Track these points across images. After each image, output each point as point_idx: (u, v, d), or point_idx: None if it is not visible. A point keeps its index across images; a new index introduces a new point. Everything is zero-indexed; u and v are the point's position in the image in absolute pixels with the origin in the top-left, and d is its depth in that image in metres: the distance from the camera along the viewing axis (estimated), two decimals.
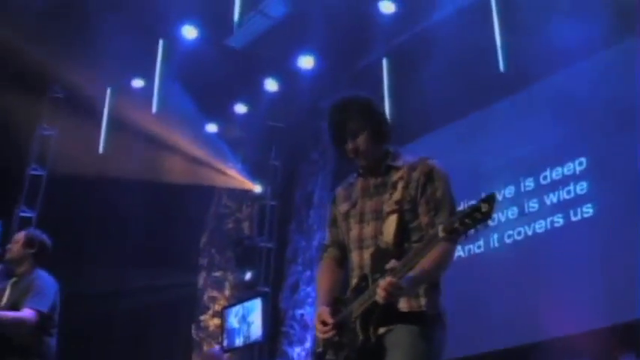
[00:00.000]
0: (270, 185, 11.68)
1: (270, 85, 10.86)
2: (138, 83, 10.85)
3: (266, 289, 10.91)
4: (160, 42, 10.23)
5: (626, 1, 7.63)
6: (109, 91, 10.99)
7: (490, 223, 3.03)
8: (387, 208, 3.55)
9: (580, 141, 8.07)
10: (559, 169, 8.19)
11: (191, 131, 11.24)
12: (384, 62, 9.93)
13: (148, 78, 10.59)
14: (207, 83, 10.54)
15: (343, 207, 3.75)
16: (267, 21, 9.99)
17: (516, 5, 8.46)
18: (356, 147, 3.62)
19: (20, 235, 5.70)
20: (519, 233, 8.36)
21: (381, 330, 3.42)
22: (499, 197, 7.99)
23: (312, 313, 7.75)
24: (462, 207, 3.15)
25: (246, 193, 12.13)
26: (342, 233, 3.77)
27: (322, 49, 9.99)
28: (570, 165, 8.10)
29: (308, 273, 10.34)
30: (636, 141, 7.39)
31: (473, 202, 3.05)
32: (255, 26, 9.96)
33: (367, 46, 10.09)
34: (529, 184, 8.41)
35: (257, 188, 11.84)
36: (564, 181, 8.12)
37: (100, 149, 10.83)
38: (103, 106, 10.94)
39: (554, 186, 8.17)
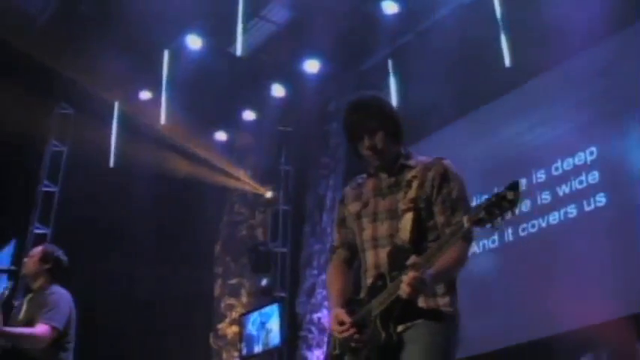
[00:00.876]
0: (282, 190, 11.70)
1: (277, 90, 10.89)
2: (145, 95, 10.87)
3: (282, 294, 10.93)
4: (165, 53, 10.27)
5: None
6: (116, 104, 11.03)
7: (516, 210, 3.02)
8: (402, 206, 3.55)
9: (590, 130, 8.04)
10: (570, 159, 8.16)
11: (201, 140, 11.28)
12: (390, 62, 9.94)
13: (155, 89, 10.63)
14: (215, 91, 10.59)
15: (354, 207, 3.74)
16: (270, 27, 10.03)
17: None
18: (373, 145, 3.62)
19: (36, 251, 5.72)
20: (533, 226, 8.34)
21: (400, 327, 3.43)
22: (520, 201, 8.04)
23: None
24: (474, 203, 3.15)
25: (259, 199, 12.15)
26: (351, 233, 3.76)
27: (327, 52, 10.01)
28: (581, 155, 8.07)
29: (323, 276, 10.33)
30: None
31: (486, 196, 3.05)
32: (259, 32, 10.00)
33: (372, 47, 10.11)
34: (540, 175, 8.39)
35: (269, 194, 11.86)
36: (576, 172, 8.09)
37: (111, 163, 10.87)
38: (112, 120, 10.99)
39: (566, 177, 8.15)
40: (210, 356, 11.50)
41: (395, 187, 3.63)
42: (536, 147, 8.44)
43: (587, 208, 7.90)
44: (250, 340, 10.69)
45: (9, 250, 9.81)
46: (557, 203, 8.17)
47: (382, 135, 3.62)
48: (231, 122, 11.70)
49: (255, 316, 10.80)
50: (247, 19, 9.59)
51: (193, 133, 11.01)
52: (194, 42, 10.03)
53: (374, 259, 3.60)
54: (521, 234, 8.43)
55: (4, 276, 8.55)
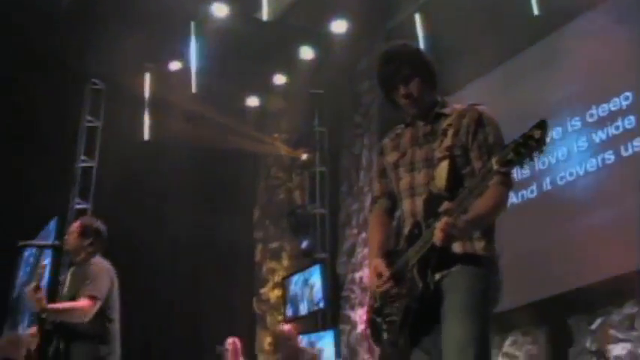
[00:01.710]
0: (317, 152, 11.71)
1: (306, 53, 10.87)
2: (175, 66, 10.90)
3: (323, 256, 10.97)
4: (192, 23, 10.27)
5: None
6: (147, 77, 11.07)
7: (544, 149, 3.03)
8: (437, 154, 3.57)
9: (624, 75, 7.90)
10: (605, 105, 8.05)
11: (233, 107, 11.31)
12: (417, 17, 9.84)
13: (185, 60, 10.66)
14: (244, 58, 10.59)
15: (392, 157, 3.77)
16: None
17: None
18: (409, 92, 3.65)
19: (75, 226, 5.81)
20: (571, 174, 8.26)
21: (438, 276, 3.44)
22: (547, 138, 8.02)
23: None
24: None
25: (295, 163, 12.19)
26: (391, 183, 3.79)
27: (353, 11, 9.94)
28: (616, 100, 7.96)
29: (363, 235, 10.36)
30: None
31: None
32: None
33: (398, 3, 10.02)
34: (575, 123, 8.30)
35: (304, 156, 11.89)
36: (611, 117, 7.98)
37: (145, 136, 10.94)
38: (144, 93, 11.04)
39: (602, 123, 8.05)
40: (255, 321, 11.62)
41: (431, 135, 3.65)
42: (570, 95, 8.33)
43: (624, 154, 7.80)
44: (293, 303, 10.79)
45: (52, 226, 9.95)
46: (594, 150, 8.09)
47: (417, 82, 3.64)
48: (262, 87, 11.72)
49: (297, 279, 10.88)
50: None
51: (225, 100, 11.03)
52: (220, 10, 10.02)
53: (411, 207, 3.62)
54: (559, 182, 8.36)
55: (49, 252, 8.68)
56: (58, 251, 7.24)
